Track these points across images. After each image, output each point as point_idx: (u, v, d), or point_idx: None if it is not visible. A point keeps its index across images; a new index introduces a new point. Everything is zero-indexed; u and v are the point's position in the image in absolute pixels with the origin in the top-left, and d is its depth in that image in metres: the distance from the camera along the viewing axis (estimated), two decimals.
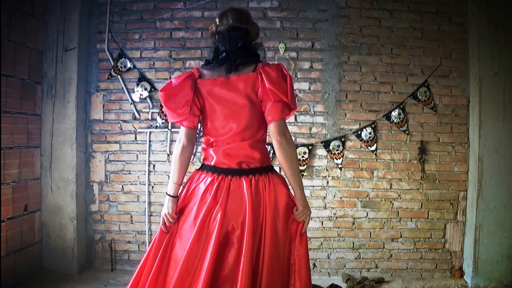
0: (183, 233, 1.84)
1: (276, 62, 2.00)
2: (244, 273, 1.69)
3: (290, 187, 1.91)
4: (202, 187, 1.86)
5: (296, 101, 1.85)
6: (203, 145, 1.95)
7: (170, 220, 1.87)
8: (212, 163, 1.88)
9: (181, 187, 1.96)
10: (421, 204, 3.60)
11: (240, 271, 1.71)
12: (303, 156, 3.57)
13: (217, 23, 1.90)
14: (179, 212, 1.90)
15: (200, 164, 2.00)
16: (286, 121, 1.85)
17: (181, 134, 1.90)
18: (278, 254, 1.81)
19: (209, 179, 1.85)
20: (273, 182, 1.85)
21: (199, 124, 1.93)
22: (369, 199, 3.62)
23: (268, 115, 1.79)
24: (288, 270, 1.85)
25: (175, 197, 1.91)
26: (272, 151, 3.28)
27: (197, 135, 1.95)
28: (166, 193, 1.91)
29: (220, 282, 1.75)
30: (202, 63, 3.68)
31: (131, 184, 3.75)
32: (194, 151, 1.96)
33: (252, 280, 1.73)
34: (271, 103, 1.77)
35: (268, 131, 1.86)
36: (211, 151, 1.90)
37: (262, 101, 1.80)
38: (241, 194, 1.79)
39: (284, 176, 1.92)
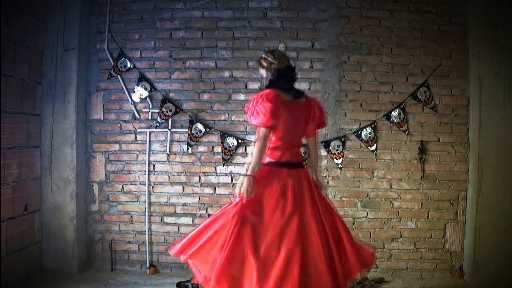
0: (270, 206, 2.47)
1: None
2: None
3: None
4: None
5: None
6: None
7: (251, 195, 2.43)
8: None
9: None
10: (421, 204, 3.60)
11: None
12: (302, 156, 3.56)
13: (275, 60, 2.63)
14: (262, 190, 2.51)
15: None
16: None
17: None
18: None
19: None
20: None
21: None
22: (369, 199, 3.62)
23: (312, 131, 2.73)
24: None
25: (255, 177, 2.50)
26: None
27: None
28: (246, 174, 2.45)
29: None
30: (202, 63, 3.72)
31: (131, 184, 3.75)
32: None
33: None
34: (314, 125, 2.70)
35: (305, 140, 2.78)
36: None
37: (308, 122, 2.67)
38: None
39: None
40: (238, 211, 2.42)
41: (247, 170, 2.48)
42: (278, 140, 2.58)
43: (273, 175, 2.54)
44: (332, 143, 3.59)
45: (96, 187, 3.76)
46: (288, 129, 2.58)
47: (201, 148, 3.71)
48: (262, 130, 2.50)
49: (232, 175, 3.68)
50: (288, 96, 2.58)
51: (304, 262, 2.34)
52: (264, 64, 2.65)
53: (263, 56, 2.69)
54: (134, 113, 3.74)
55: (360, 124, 3.62)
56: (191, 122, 3.67)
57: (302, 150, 2.81)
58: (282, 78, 2.60)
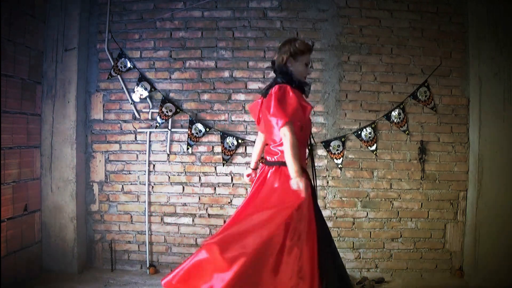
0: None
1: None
2: None
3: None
4: None
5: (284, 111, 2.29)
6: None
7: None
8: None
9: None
10: (421, 204, 3.60)
11: None
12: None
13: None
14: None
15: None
16: None
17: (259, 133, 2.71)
18: None
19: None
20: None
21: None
22: (369, 199, 3.62)
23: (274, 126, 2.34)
24: None
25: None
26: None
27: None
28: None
29: None
30: (202, 63, 3.72)
31: (131, 184, 3.75)
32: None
33: None
34: (265, 118, 2.36)
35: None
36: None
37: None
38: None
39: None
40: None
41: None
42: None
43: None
44: (332, 143, 3.59)
45: (96, 187, 3.76)
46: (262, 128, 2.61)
47: (201, 148, 3.71)
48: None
49: (232, 175, 3.68)
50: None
51: None
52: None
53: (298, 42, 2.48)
54: (134, 113, 3.74)
55: (360, 124, 3.62)
56: (191, 122, 3.67)
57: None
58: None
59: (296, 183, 2.17)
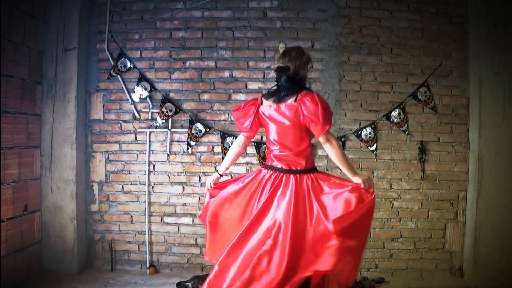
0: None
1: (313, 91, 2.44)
2: None
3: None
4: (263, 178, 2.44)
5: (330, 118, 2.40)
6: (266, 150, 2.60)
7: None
8: (269, 164, 2.48)
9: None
10: (421, 204, 3.60)
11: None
12: None
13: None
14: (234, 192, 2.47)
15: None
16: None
17: (240, 139, 2.63)
18: None
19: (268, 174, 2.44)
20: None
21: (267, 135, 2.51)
22: None
23: (314, 132, 2.37)
24: None
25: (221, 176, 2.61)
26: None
27: (250, 142, 2.71)
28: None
29: None
30: (202, 63, 3.72)
31: (131, 184, 3.75)
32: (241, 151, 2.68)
33: None
34: (312, 124, 2.33)
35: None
36: (270, 155, 2.48)
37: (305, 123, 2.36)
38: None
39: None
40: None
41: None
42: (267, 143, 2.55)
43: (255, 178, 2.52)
44: None
45: (96, 187, 3.76)
46: (271, 133, 2.54)
47: (201, 148, 3.71)
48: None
49: (232, 175, 3.68)
50: (271, 100, 2.52)
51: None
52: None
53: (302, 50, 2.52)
54: (134, 113, 3.74)
55: (360, 124, 3.62)
56: (191, 122, 3.67)
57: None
58: (276, 81, 2.53)
59: (365, 180, 2.28)
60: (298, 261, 2.19)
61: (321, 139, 2.36)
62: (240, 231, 2.30)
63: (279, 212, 2.27)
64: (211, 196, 2.54)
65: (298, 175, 2.37)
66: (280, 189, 2.34)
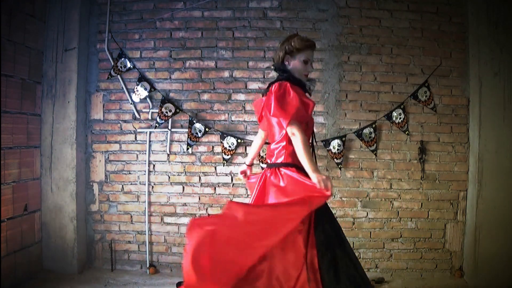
0: None
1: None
2: None
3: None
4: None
5: (285, 110, 2.21)
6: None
7: None
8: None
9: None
10: (421, 204, 3.60)
11: None
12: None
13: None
14: None
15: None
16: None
17: (259, 131, 2.74)
18: None
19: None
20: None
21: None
22: (369, 199, 3.62)
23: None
24: None
25: None
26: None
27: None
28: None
29: None
30: (202, 63, 3.72)
31: (131, 184, 3.75)
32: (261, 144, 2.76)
33: None
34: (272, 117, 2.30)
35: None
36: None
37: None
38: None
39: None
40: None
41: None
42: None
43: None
44: (332, 143, 3.59)
45: (96, 187, 3.76)
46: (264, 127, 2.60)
47: (201, 148, 3.71)
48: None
49: (232, 175, 3.68)
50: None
51: None
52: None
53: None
54: (134, 113, 3.74)
55: (360, 124, 3.62)
56: (191, 122, 3.67)
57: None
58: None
59: (322, 180, 2.09)
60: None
61: (288, 131, 2.21)
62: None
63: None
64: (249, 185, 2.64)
65: (269, 169, 2.36)
66: (258, 183, 2.38)
